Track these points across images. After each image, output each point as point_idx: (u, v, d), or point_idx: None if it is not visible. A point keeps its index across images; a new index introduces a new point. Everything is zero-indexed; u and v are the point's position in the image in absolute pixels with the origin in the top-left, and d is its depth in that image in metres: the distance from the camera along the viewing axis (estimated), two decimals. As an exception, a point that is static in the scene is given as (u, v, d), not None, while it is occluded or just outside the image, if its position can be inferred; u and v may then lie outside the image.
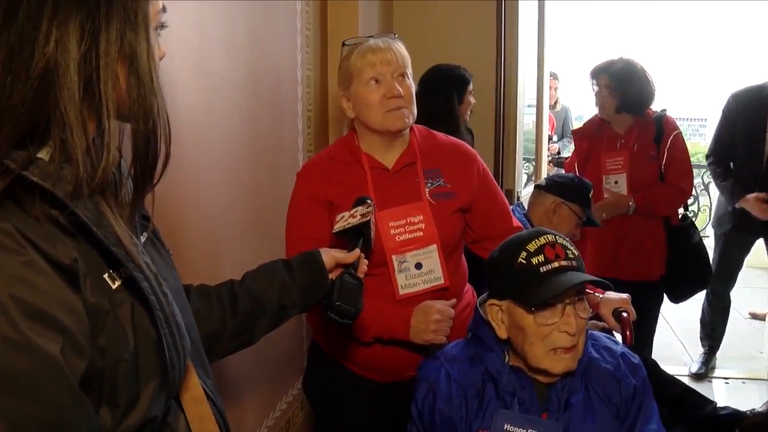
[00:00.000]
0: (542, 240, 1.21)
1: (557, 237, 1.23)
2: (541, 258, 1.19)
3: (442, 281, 1.55)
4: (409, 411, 1.35)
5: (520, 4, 3.09)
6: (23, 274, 0.60)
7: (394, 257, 1.52)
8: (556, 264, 1.19)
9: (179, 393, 0.82)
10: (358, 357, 1.58)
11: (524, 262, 1.19)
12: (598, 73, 2.80)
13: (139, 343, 0.70)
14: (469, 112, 2.59)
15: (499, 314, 1.25)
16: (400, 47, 1.55)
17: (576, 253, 1.23)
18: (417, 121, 1.61)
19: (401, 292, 1.53)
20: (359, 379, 1.61)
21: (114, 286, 0.68)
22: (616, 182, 2.74)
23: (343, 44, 1.61)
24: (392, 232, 1.52)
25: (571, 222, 2.19)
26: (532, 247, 1.20)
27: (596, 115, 2.88)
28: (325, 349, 1.66)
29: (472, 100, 2.58)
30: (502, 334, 1.25)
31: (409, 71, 1.55)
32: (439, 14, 2.95)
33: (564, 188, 2.22)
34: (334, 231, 1.31)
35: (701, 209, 6.39)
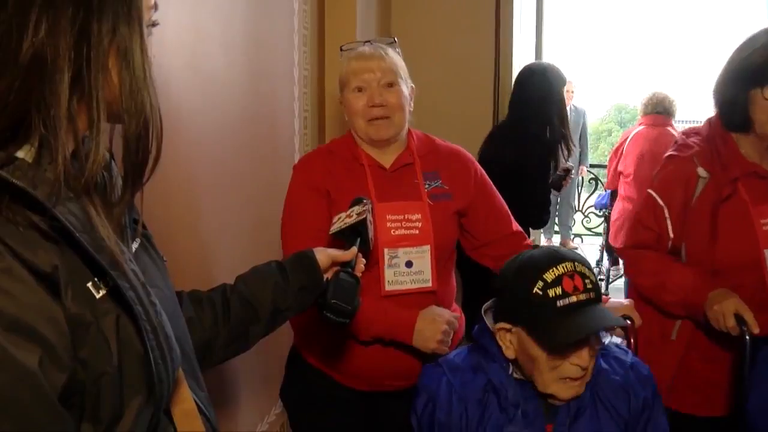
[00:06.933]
0: (560, 269, 1.15)
1: (576, 264, 1.17)
2: (558, 290, 1.14)
3: (430, 284, 1.53)
4: (387, 426, 1.30)
5: (518, 2, 3.07)
6: (0, 281, 0.57)
7: (386, 250, 1.50)
8: (574, 298, 1.14)
9: (170, 406, 0.78)
10: (343, 363, 1.55)
11: (540, 293, 1.14)
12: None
13: (123, 356, 0.66)
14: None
15: (507, 336, 1.21)
16: (392, 54, 1.55)
17: (594, 281, 1.18)
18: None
19: (387, 287, 1.51)
20: (339, 388, 1.58)
21: (98, 296, 0.64)
22: None
23: (341, 50, 1.62)
24: (388, 225, 1.51)
25: None
26: (549, 276, 1.15)
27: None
28: (305, 355, 1.63)
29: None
30: (510, 354, 1.21)
31: (402, 78, 1.55)
32: (437, 12, 2.93)
33: None
34: (330, 232, 1.29)
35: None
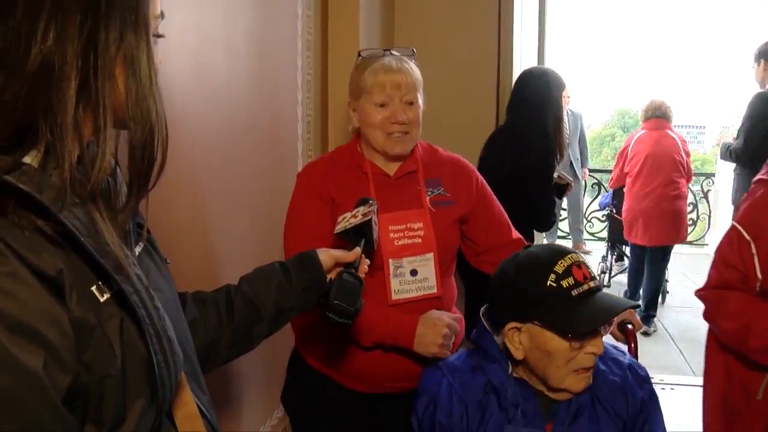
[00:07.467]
0: (568, 260, 1.18)
1: (578, 254, 1.20)
2: (571, 280, 1.16)
3: (435, 290, 1.54)
4: (388, 428, 1.28)
5: (520, 10, 3.08)
6: (5, 284, 0.57)
7: (390, 261, 1.51)
8: (585, 286, 1.16)
9: (172, 409, 0.79)
10: (344, 364, 1.55)
11: (554, 285, 1.15)
12: None
13: (127, 359, 0.66)
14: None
15: (517, 337, 1.21)
16: (414, 68, 1.56)
17: (593, 271, 1.22)
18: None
19: (394, 297, 1.52)
20: (340, 390, 1.58)
21: (102, 299, 0.65)
22: None
23: (359, 54, 1.61)
24: (391, 235, 1.52)
25: None
26: (559, 268, 1.16)
27: None
28: (306, 357, 1.63)
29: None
30: (519, 355, 1.21)
31: (420, 93, 1.56)
32: (440, 18, 2.94)
33: None
34: (335, 232, 1.30)
35: (700, 217, 6.40)
